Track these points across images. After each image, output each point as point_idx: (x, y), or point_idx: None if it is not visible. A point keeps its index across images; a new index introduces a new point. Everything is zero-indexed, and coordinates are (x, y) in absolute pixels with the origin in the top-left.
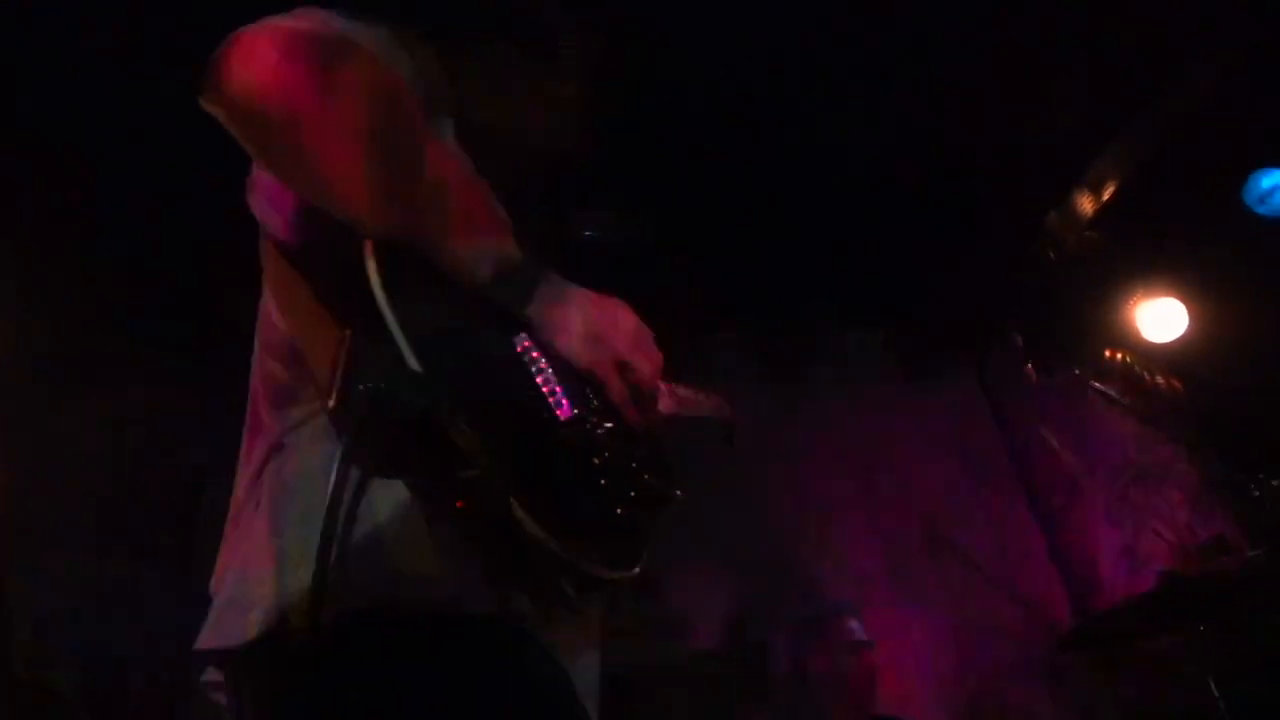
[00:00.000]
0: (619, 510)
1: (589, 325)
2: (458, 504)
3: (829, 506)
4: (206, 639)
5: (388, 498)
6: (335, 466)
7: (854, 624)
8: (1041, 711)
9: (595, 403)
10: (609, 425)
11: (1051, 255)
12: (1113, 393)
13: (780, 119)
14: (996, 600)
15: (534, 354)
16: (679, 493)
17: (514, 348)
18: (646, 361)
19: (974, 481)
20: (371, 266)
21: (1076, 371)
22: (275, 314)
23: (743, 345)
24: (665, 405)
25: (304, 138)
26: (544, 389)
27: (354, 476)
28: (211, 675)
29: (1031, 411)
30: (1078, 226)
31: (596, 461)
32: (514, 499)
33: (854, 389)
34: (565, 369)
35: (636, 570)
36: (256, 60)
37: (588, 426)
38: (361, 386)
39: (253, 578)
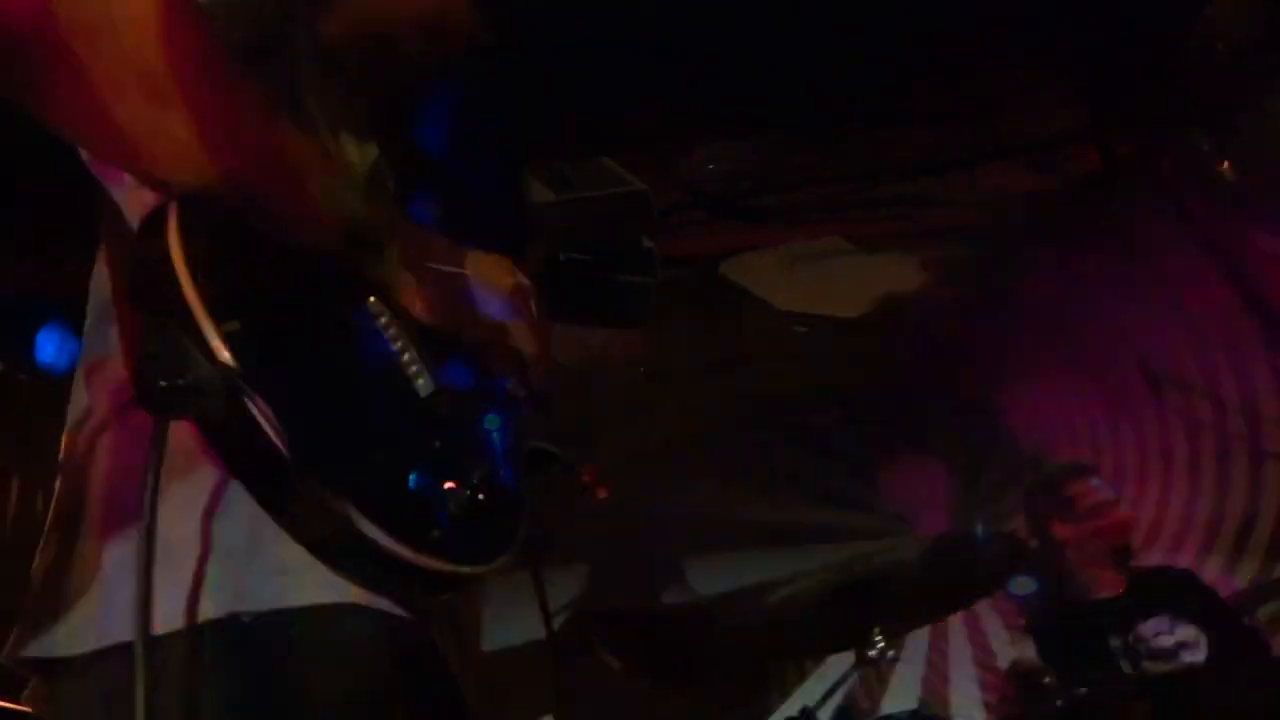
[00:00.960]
0: (481, 496)
1: (455, 285)
2: (287, 505)
3: (1039, 364)
4: (28, 646)
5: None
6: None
7: (1094, 481)
8: None
9: (469, 372)
10: (483, 398)
11: (1220, 47)
12: None
13: None
14: (1239, 430)
15: (388, 324)
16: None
17: (366, 319)
18: (526, 324)
19: (1185, 311)
20: (172, 232)
21: None
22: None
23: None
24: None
25: (68, 74)
26: (403, 362)
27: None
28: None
29: (1237, 219)
30: (1245, 7)
31: (460, 441)
32: (342, 500)
33: (1034, 244)
34: (430, 338)
35: (502, 560)
36: None
37: (454, 401)
38: (147, 385)
39: (74, 584)
